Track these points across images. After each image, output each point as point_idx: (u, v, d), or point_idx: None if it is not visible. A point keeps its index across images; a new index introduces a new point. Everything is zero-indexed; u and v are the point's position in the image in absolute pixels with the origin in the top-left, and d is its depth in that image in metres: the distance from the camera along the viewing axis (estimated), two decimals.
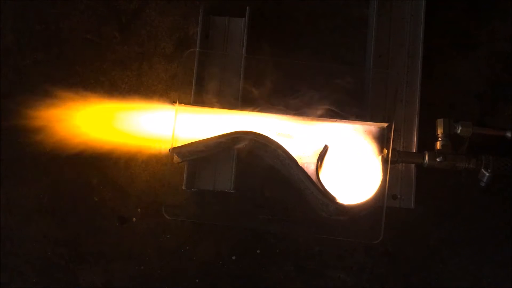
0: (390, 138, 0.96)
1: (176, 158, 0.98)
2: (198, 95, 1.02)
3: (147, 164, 1.07)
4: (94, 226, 1.07)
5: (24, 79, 1.10)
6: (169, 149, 0.96)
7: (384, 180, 0.94)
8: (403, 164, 1.00)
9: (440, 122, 0.97)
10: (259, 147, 0.97)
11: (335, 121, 0.98)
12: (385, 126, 0.98)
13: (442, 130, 0.96)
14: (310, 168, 0.96)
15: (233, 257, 1.06)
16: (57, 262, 1.07)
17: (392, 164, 0.96)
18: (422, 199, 1.02)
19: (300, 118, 0.98)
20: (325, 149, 0.98)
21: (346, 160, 0.98)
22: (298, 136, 1.00)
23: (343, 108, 0.99)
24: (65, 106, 1.06)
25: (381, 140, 0.99)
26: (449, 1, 1.09)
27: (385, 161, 0.95)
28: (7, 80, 1.10)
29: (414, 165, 1.00)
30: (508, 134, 0.98)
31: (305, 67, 1.09)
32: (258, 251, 1.06)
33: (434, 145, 0.98)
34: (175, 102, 0.97)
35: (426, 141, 1.00)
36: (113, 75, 1.10)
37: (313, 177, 0.95)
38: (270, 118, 0.99)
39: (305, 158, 0.98)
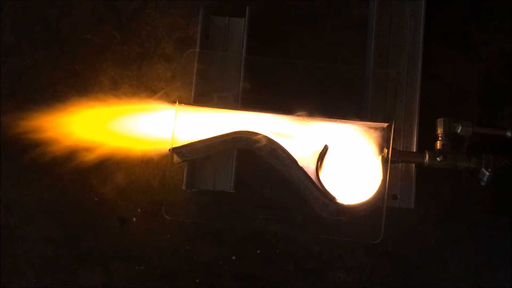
0: (390, 138, 0.96)
1: (176, 158, 0.98)
2: (198, 95, 1.02)
3: (147, 164, 1.07)
4: (94, 226, 1.07)
5: (24, 79, 1.10)
6: (169, 149, 0.96)
7: (384, 180, 0.94)
8: (403, 164, 1.00)
9: (440, 122, 0.97)
10: (259, 147, 0.97)
11: (335, 121, 0.98)
12: (385, 126, 0.98)
13: (442, 130, 0.96)
14: (310, 168, 0.96)
15: (233, 257, 1.06)
16: (57, 262, 1.07)
17: (392, 164, 0.96)
18: (422, 199, 1.02)
19: (300, 118, 0.98)
20: (325, 149, 0.97)
21: (346, 160, 0.98)
22: (298, 136, 0.99)
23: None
24: (65, 106, 1.06)
25: (381, 140, 0.99)
26: (449, 1, 1.09)
27: (385, 161, 0.95)
28: (7, 80, 1.10)
29: (414, 165, 1.00)
30: (508, 134, 0.98)
31: (305, 67, 1.09)
32: (258, 251, 1.06)
33: (434, 144, 0.98)
34: (175, 102, 0.97)
35: (426, 141, 1.00)
36: (113, 75, 1.10)
37: (313, 177, 0.95)
38: (270, 118, 0.99)
39: (305, 158, 0.98)
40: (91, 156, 1.05)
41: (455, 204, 1.06)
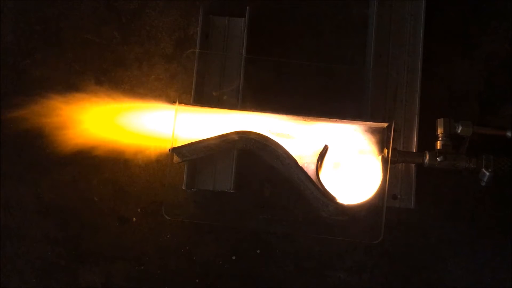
0: (390, 138, 0.96)
1: (176, 158, 0.98)
2: (198, 95, 1.02)
3: (147, 164, 1.07)
4: (94, 226, 1.07)
5: (24, 79, 1.10)
6: (169, 149, 0.96)
7: (384, 180, 0.94)
8: (403, 164, 1.00)
9: (440, 122, 0.97)
10: (259, 147, 0.97)
11: (335, 121, 0.98)
12: (385, 126, 0.98)
13: (442, 130, 0.96)
14: (310, 168, 0.96)
15: (233, 257, 1.06)
16: (57, 262, 1.07)
17: (392, 164, 0.96)
18: (422, 199, 1.02)
19: (300, 118, 0.98)
20: (325, 149, 0.98)
21: (346, 160, 0.98)
22: (298, 136, 1.00)
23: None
24: (65, 106, 1.06)
25: (381, 140, 0.99)
26: (449, 1, 1.09)
27: (385, 161, 0.95)
28: (7, 80, 1.10)
29: (414, 165, 1.00)
30: (508, 134, 0.98)
31: (305, 67, 1.09)
32: (258, 251, 1.06)
33: (434, 144, 0.98)
34: (175, 102, 0.97)
35: (426, 141, 1.00)
36: (113, 75, 1.10)
37: (313, 177, 0.95)
38: (270, 118, 0.99)
39: (305, 158, 0.98)
40: (91, 156, 1.05)
41: (455, 204, 1.06)
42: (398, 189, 1.00)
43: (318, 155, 0.97)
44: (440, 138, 0.97)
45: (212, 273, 1.06)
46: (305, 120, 0.99)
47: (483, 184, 0.96)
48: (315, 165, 0.96)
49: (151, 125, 1.02)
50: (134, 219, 1.07)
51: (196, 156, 0.98)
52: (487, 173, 0.94)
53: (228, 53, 1.05)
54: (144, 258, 1.07)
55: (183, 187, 0.99)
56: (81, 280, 1.07)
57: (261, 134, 0.96)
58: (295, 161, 0.95)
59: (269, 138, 0.96)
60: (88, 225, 1.07)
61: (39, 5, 1.12)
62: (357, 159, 0.98)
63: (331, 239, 1.05)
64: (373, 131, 0.99)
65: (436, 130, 0.98)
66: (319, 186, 0.94)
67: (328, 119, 0.98)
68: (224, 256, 1.06)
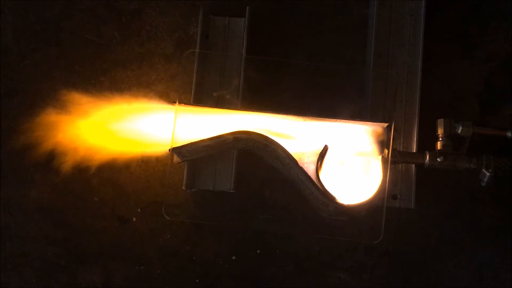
0: (390, 138, 0.96)
1: (176, 158, 0.98)
2: (198, 95, 1.02)
3: (147, 164, 1.07)
4: (94, 226, 1.07)
5: (24, 79, 1.10)
6: (169, 149, 0.96)
7: (384, 180, 0.94)
8: (403, 164, 1.00)
9: (440, 122, 0.97)
10: (259, 147, 0.97)
11: (335, 121, 0.98)
12: (385, 126, 0.98)
13: (442, 130, 0.96)
14: (310, 168, 0.96)
15: (233, 257, 1.06)
16: (57, 262, 1.07)
17: (392, 164, 0.96)
18: (422, 199, 1.02)
19: (300, 118, 0.98)
20: (325, 149, 0.97)
21: (346, 160, 0.98)
22: (298, 136, 0.99)
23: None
24: (65, 106, 1.06)
25: (381, 140, 0.98)
26: (449, 1, 1.09)
27: (385, 161, 0.95)
28: (7, 80, 1.10)
29: (414, 165, 1.00)
30: (509, 134, 0.98)
31: (305, 67, 1.09)
32: (258, 251, 1.06)
33: (434, 145, 0.97)
34: (175, 102, 0.97)
35: (426, 141, 1.00)
36: (113, 75, 1.10)
37: (313, 177, 0.95)
38: (270, 118, 0.99)
39: (305, 158, 0.98)
40: (91, 156, 1.05)
41: (455, 204, 1.06)
42: (398, 189, 1.00)
43: (318, 155, 0.97)
44: (440, 139, 0.97)
45: (212, 273, 1.06)
46: (305, 120, 0.99)
47: (483, 184, 0.96)
48: (315, 165, 0.96)
49: (151, 125, 1.02)
50: (134, 219, 1.07)
51: (196, 156, 0.98)
52: (487, 173, 0.94)
53: (228, 53, 1.05)
54: (144, 258, 1.07)
55: (183, 187, 0.99)
56: (81, 280, 1.07)
57: (261, 134, 0.96)
58: (295, 161, 0.94)
59: (269, 138, 0.96)
60: (88, 225, 1.07)
61: (39, 5, 1.12)
62: (357, 159, 0.98)
63: (331, 239, 1.05)
64: (373, 131, 0.99)
65: (436, 131, 0.98)
66: (319, 186, 0.94)
67: (328, 119, 0.98)
68: (224, 256, 1.06)
